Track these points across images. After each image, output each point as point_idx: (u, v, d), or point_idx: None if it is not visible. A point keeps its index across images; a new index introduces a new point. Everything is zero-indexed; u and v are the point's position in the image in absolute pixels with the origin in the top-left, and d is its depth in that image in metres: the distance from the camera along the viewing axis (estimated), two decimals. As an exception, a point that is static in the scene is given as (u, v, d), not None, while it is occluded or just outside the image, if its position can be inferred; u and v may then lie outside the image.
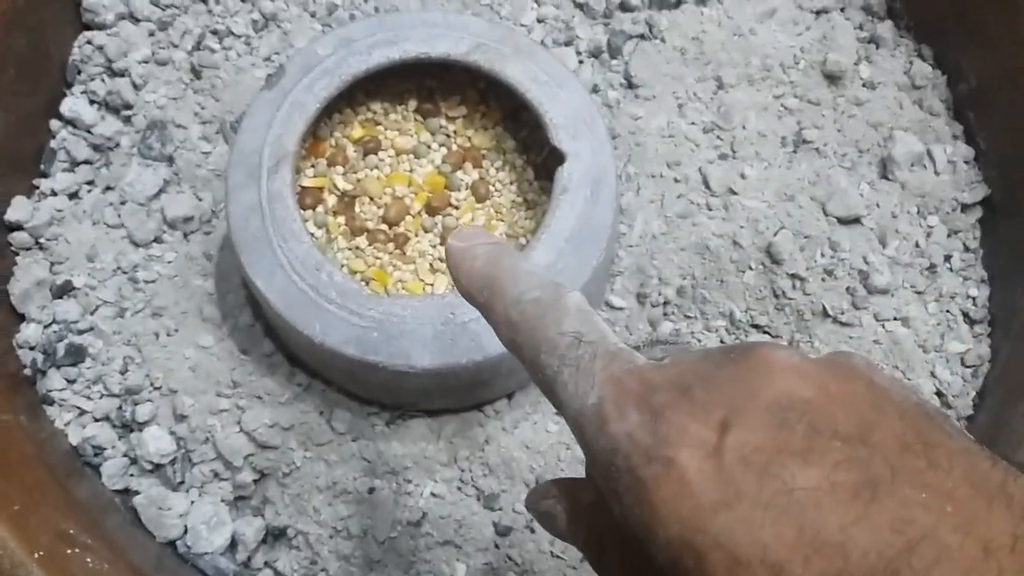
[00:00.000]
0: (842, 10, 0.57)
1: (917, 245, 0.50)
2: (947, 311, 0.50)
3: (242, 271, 0.42)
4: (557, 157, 0.43)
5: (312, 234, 0.46)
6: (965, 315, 0.50)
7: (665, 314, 0.48)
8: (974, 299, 0.50)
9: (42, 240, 0.49)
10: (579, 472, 0.45)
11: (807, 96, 0.54)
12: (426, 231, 0.47)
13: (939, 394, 0.48)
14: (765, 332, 0.48)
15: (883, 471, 0.18)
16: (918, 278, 0.50)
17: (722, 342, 0.47)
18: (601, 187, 0.43)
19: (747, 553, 0.18)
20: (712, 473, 0.19)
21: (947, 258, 0.51)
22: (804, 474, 0.18)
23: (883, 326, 0.48)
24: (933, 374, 0.48)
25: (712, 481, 0.19)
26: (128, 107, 0.52)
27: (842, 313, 0.48)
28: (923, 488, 0.18)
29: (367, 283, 0.45)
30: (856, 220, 0.50)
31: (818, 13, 0.56)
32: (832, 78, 0.54)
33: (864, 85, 0.55)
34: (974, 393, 0.48)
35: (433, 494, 0.45)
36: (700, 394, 0.20)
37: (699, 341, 0.47)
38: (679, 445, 0.19)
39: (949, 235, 0.52)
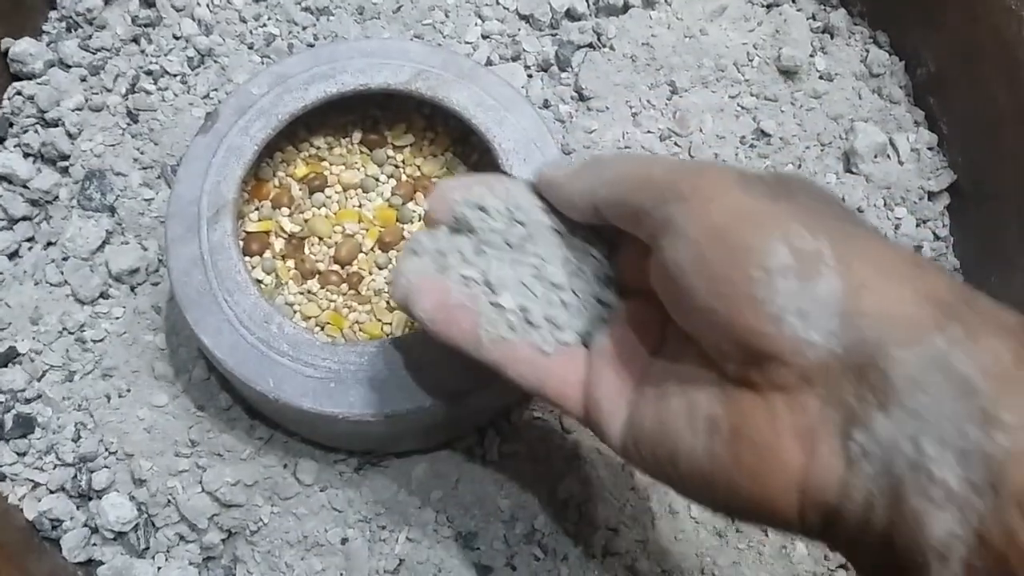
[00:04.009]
0: (793, 2, 0.56)
1: (886, 238, 0.49)
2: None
3: (188, 328, 0.40)
4: (509, 182, 0.42)
5: (260, 281, 0.44)
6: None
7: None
8: (947, 289, 0.49)
9: (-18, 306, 0.47)
10: (560, 514, 0.44)
11: (763, 93, 0.53)
12: (380, 268, 0.45)
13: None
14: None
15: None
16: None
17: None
18: (556, 210, 0.41)
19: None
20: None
21: (917, 248, 0.50)
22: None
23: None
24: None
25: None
26: (64, 157, 0.50)
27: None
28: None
29: (322, 328, 0.44)
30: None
31: (769, 7, 0.55)
32: (788, 73, 0.53)
33: (821, 77, 0.54)
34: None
35: (409, 539, 0.43)
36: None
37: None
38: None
39: (918, 225, 0.51)
